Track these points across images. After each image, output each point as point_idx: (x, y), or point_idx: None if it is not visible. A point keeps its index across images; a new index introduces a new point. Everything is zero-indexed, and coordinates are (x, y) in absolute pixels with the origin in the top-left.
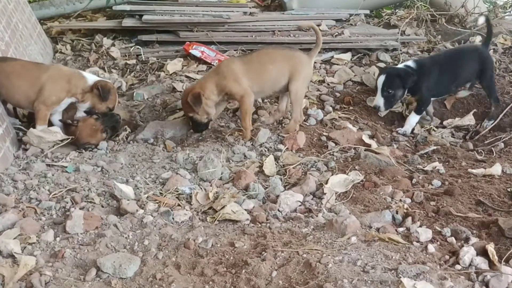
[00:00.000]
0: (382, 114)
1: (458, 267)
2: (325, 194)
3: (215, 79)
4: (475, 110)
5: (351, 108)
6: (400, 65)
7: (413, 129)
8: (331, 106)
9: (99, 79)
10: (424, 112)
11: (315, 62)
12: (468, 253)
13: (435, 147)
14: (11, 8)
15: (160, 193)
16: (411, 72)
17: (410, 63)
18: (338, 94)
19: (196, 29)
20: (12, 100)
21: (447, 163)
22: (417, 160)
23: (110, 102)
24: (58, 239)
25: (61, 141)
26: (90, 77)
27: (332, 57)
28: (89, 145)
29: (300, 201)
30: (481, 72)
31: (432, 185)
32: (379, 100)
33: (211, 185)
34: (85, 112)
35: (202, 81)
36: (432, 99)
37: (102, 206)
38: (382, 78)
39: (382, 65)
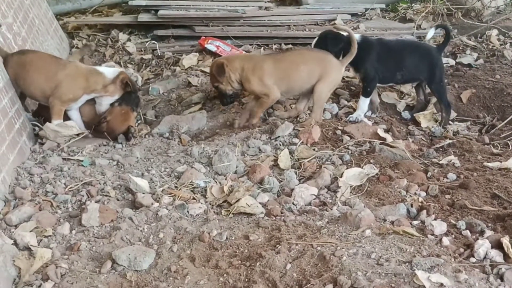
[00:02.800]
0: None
1: (472, 260)
2: (339, 187)
3: (244, 65)
4: None
5: None
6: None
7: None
8: (346, 100)
9: (117, 70)
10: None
11: None
12: (482, 246)
13: (450, 141)
14: (28, 3)
15: (175, 187)
16: (341, 39)
17: (358, 36)
18: (353, 88)
19: (211, 24)
20: (27, 92)
21: (462, 157)
22: (433, 154)
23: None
24: (74, 232)
25: (77, 135)
26: (108, 71)
27: None
28: (128, 132)
29: (314, 195)
30: (429, 75)
31: (447, 178)
32: None
33: (226, 179)
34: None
35: (232, 57)
36: (378, 84)
37: (118, 200)
38: (314, 40)
39: None
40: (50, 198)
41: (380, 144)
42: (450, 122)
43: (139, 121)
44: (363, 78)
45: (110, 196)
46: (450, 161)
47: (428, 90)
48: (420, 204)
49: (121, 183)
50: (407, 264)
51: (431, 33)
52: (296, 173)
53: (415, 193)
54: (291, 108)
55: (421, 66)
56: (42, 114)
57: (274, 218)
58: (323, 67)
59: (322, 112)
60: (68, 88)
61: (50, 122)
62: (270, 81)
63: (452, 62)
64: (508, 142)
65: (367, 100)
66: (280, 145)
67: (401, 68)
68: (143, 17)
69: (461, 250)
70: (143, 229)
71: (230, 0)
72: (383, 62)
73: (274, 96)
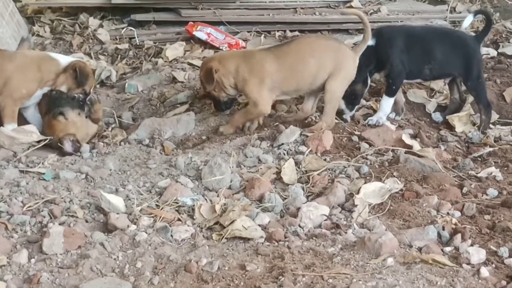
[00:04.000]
0: (347, 115)
1: None
2: (356, 206)
3: (239, 66)
4: None
5: None
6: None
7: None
8: (364, 99)
9: (74, 59)
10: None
11: None
12: None
13: (491, 149)
14: None
15: (157, 205)
16: (360, 61)
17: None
18: (373, 85)
19: (201, 7)
20: None
21: (505, 169)
22: (469, 165)
23: (87, 86)
24: (33, 260)
25: (38, 142)
26: (63, 59)
27: None
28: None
29: (325, 215)
30: (465, 69)
31: (487, 195)
32: None
33: (218, 196)
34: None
35: (225, 55)
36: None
37: (86, 221)
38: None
39: None
40: (5, 220)
41: (405, 153)
42: (490, 125)
43: (113, 125)
44: (388, 75)
45: (77, 217)
46: (491, 173)
47: (464, 87)
48: (453, 226)
49: (90, 201)
50: None
51: (468, 20)
52: (303, 189)
53: (448, 213)
54: (297, 109)
55: (454, 59)
56: None
57: (277, 243)
58: (336, 59)
59: (334, 114)
60: (19, 83)
61: (2, 126)
62: (268, 86)
63: (493, 52)
64: None
65: (391, 100)
66: (284, 154)
67: (429, 61)
68: None
69: (503, 282)
70: (117, 257)
71: None
72: (408, 53)
73: (263, 109)
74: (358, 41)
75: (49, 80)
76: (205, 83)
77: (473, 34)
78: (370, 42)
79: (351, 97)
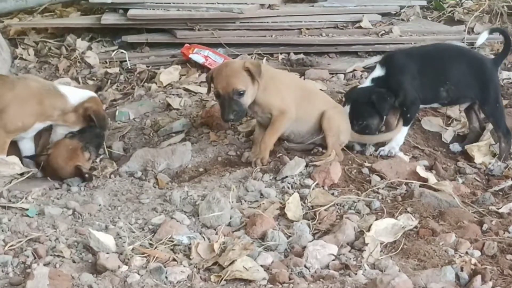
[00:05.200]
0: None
1: None
2: (366, 245)
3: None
4: None
5: None
6: (365, 81)
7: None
8: None
9: (88, 95)
10: None
11: (354, 70)
12: None
13: None
14: None
15: (150, 244)
16: (384, 94)
17: (378, 70)
18: None
19: (198, 27)
20: None
21: None
22: (490, 199)
23: (107, 129)
24: None
25: (21, 175)
26: (73, 93)
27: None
28: (80, 173)
29: (333, 254)
30: (482, 92)
31: (509, 232)
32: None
33: (216, 233)
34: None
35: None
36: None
37: (74, 261)
38: (347, 110)
39: None
40: None
41: (420, 186)
42: (511, 155)
43: (101, 156)
44: (402, 103)
45: (63, 257)
46: None
47: (483, 115)
48: (473, 267)
49: (78, 240)
50: None
51: (482, 38)
52: (309, 226)
53: (467, 253)
54: None
55: (469, 80)
56: None
57: (281, 285)
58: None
59: (338, 142)
60: (16, 115)
61: None
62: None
63: None
64: None
65: (406, 130)
66: (289, 188)
67: (444, 82)
68: (108, 19)
69: None
70: None
71: None
72: (420, 77)
73: (289, 115)
74: (369, 65)
75: (52, 116)
76: (257, 75)
77: (492, 56)
78: (380, 72)
79: (365, 132)
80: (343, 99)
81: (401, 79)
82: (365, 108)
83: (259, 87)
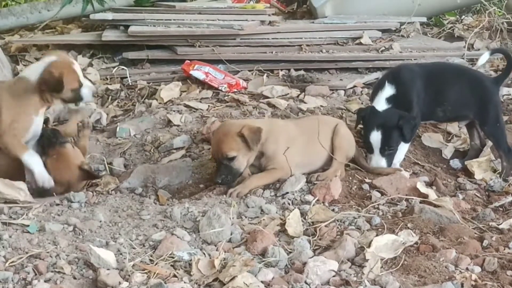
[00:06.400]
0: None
1: None
2: (367, 260)
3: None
4: None
5: None
6: (379, 101)
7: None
8: None
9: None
10: None
11: (355, 87)
12: None
13: None
14: None
15: (151, 260)
16: (411, 116)
17: (389, 89)
18: None
19: (198, 44)
20: None
21: None
22: (490, 215)
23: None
24: None
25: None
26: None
27: (377, 79)
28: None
29: (334, 270)
30: (480, 112)
31: (509, 248)
32: (379, 161)
33: (217, 250)
34: None
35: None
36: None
37: (74, 278)
38: (377, 136)
39: None
40: None
41: (420, 202)
42: None
43: (103, 172)
44: None
45: (64, 273)
46: None
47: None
48: (473, 283)
49: (78, 256)
50: None
51: (484, 58)
52: (309, 242)
53: (467, 269)
54: None
55: (467, 100)
56: None
57: None
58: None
59: (345, 160)
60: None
61: None
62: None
63: None
64: None
65: (407, 147)
66: (289, 204)
67: (441, 103)
68: (109, 35)
69: None
70: None
71: (223, 12)
72: (423, 94)
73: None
74: (369, 81)
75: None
76: (252, 143)
77: (492, 73)
78: (391, 91)
79: (391, 157)
80: (355, 117)
81: (411, 96)
82: (396, 134)
83: (271, 140)
